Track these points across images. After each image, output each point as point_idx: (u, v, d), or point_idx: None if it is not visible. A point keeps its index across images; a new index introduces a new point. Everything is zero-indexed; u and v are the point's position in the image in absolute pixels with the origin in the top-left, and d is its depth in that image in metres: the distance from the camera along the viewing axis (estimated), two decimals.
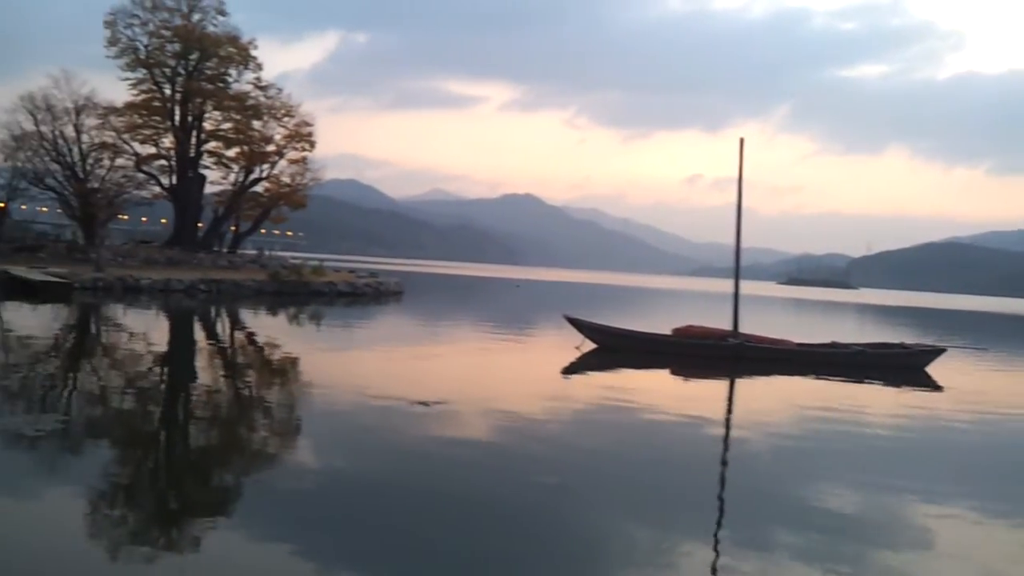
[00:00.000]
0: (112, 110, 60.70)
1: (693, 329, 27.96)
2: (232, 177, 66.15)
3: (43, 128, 58.80)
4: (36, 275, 39.28)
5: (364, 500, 9.52)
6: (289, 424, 14.19)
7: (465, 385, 18.99)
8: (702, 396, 20.91)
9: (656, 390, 20.87)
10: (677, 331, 27.67)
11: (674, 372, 24.11)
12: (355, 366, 22.27)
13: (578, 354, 25.88)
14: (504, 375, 22.37)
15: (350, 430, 13.40)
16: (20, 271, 40.17)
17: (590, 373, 23.72)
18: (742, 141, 28.11)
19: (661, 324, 30.96)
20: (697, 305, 73.37)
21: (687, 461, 12.76)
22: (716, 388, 22.62)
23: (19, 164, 59.45)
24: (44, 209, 74.87)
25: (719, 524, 9.38)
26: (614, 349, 26.88)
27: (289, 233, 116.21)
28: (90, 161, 60.76)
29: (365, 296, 52.04)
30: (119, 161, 62.05)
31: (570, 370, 23.44)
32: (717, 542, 8.63)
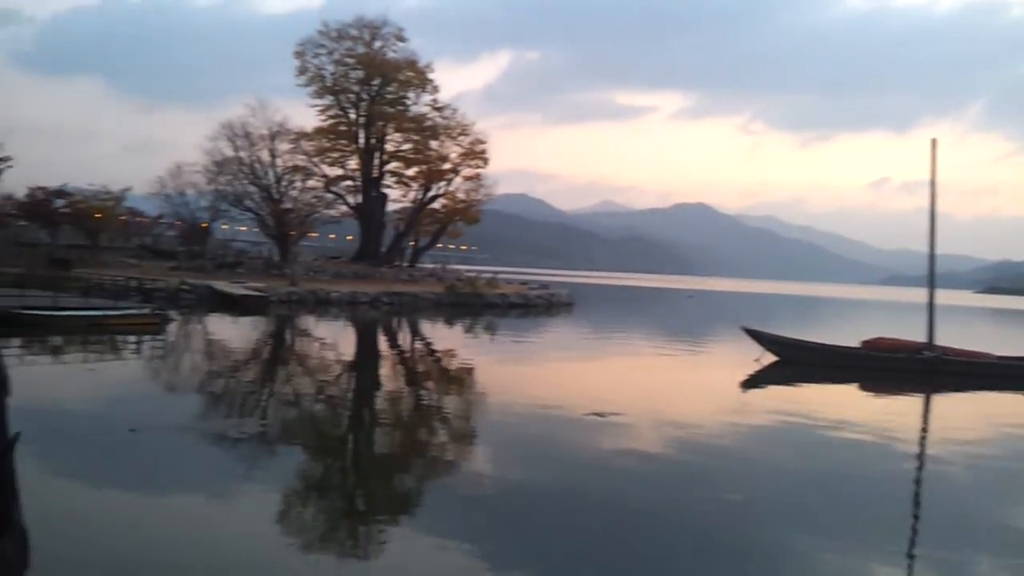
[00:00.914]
0: (303, 135, 65.07)
1: (883, 341, 26.19)
2: (412, 195, 69.20)
3: (241, 153, 63.88)
4: (237, 289, 42.54)
5: (541, 509, 9.53)
6: (466, 431, 14.50)
7: (639, 397, 18.72)
8: (894, 412, 19.51)
9: (844, 405, 19.68)
10: (866, 343, 26.01)
11: (863, 387, 22.68)
12: (528, 376, 22.51)
13: (757, 367, 24.88)
14: (679, 387, 21.89)
15: (525, 439, 13.50)
16: (223, 286, 43.63)
17: (771, 387, 22.75)
18: (934, 142, 26.16)
19: (847, 336, 29.25)
20: (886, 316, 68.91)
21: (878, 481, 11.91)
22: (909, 404, 21.06)
23: (220, 187, 64.88)
24: (243, 228, 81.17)
25: (912, 547, 8.67)
26: (797, 362, 25.64)
27: (464, 247, 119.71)
28: (284, 183, 65.33)
29: (537, 307, 52.68)
30: (310, 182, 66.46)
31: (749, 383, 22.58)
32: (911, 567, 7.99)
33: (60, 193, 63.78)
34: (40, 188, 63.08)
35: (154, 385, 18.18)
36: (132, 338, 24.52)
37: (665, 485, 10.89)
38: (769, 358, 26.01)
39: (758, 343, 26.91)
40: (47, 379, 17.08)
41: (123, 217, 67.72)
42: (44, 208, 62.65)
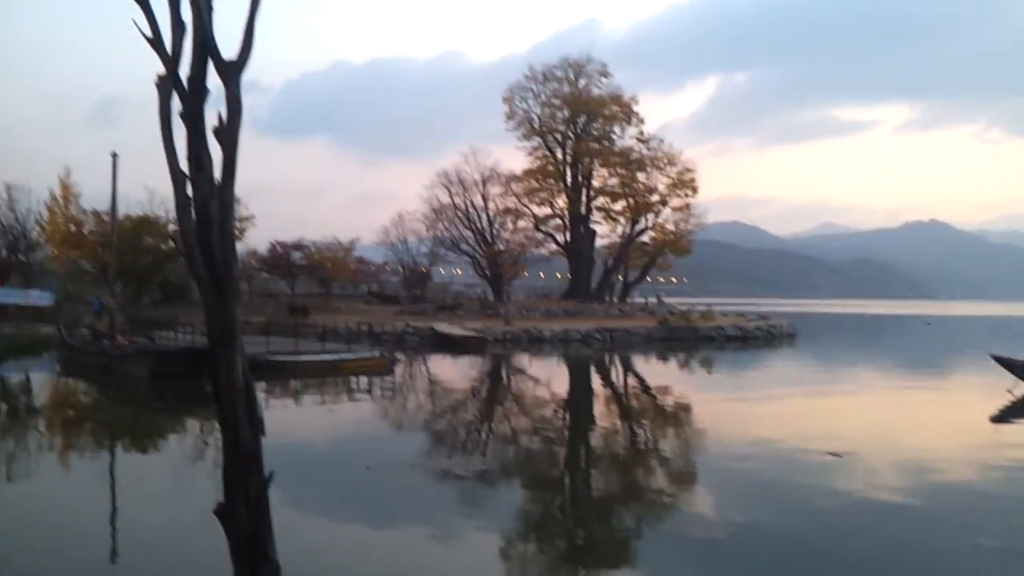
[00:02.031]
0: (512, 177, 67.37)
1: None
2: (619, 229, 69.33)
3: (456, 199, 67.12)
4: (456, 330, 44.29)
5: (771, 558, 8.93)
6: (686, 471, 14.01)
7: (875, 433, 17.28)
8: None
9: None
10: None
11: None
12: (751, 412, 21.49)
13: (1011, 398, 22.30)
14: (921, 423, 20.01)
15: (751, 479, 12.82)
16: (443, 327, 45.58)
17: None
18: None
19: None
20: None
21: None
22: None
23: (438, 233, 68.37)
24: (459, 271, 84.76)
25: None
26: None
27: (675, 279, 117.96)
28: (496, 225, 67.78)
29: (756, 340, 50.57)
30: (520, 223, 68.59)
31: (1002, 417, 20.25)
32: None
33: (297, 246, 69.75)
34: (279, 242, 69.37)
35: (385, 424, 19.18)
36: (364, 380, 26.08)
37: (912, 531, 9.87)
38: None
39: (1010, 372, 24.21)
40: (292, 420, 18.50)
41: (352, 265, 72.81)
42: (283, 260, 68.73)
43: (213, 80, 5.43)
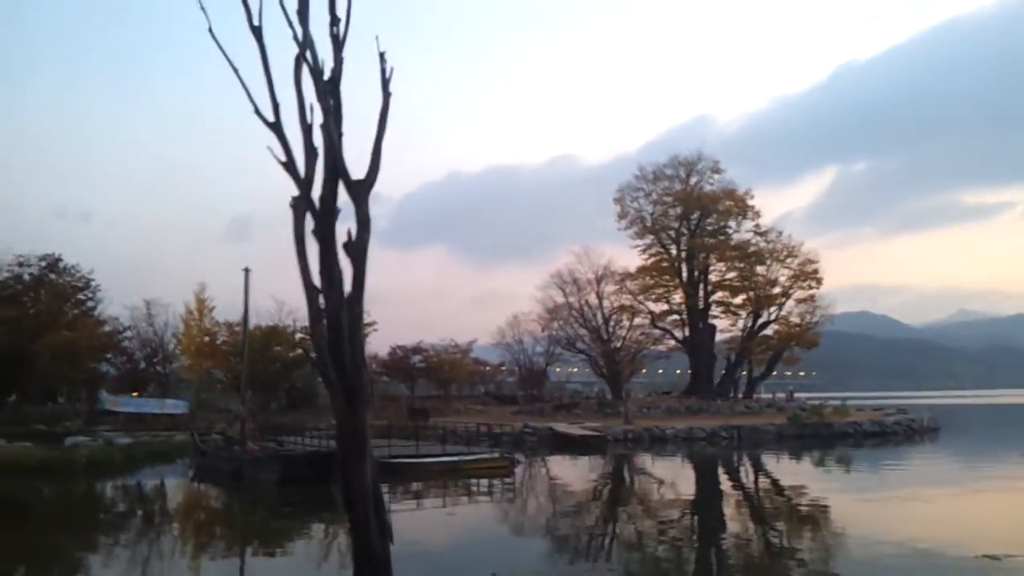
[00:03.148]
0: (627, 275, 67.29)
1: None
2: (740, 323, 67.69)
3: (571, 299, 67.40)
4: (575, 430, 43.77)
5: None
6: None
7: None
8: None
9: None
10: None
11: None
12: (895, 513, 20.05)
13: None
14: None
15: None
16: (562, 427, 45.14)
17: None
18: None
19: None
20: None
21: None
22: None
23: (553, 332, 68.58)
24: (574, 369, 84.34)
25: None
26: None
27: (803, 373, 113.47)
28: (612, 323, 67.45)
29: (896, 435, 47.63)
30: (636, 320, 68.02)
31: None
32: None
33: (416, 349, 71.37)
34: (399, 347, 71.20)
35: (507, 527, 18.95)
36: (484, 481, 25.96)
37: None
38: None
39: None
40: (415, 524, 18.54)
41: (470, 367, 73.73)
42: (403, 364, 70.34)
43: (342, 198, 5.75)
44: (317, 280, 5.51)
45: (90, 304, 58.71)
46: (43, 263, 54.51)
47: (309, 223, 5.83)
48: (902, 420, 51.79)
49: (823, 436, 45.31)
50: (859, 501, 22.38)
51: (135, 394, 59.81)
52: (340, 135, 5.58)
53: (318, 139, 5.82)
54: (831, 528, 18.14)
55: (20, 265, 53.44)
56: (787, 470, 32.15)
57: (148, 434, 42.92)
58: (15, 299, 51.89)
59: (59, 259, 55.55)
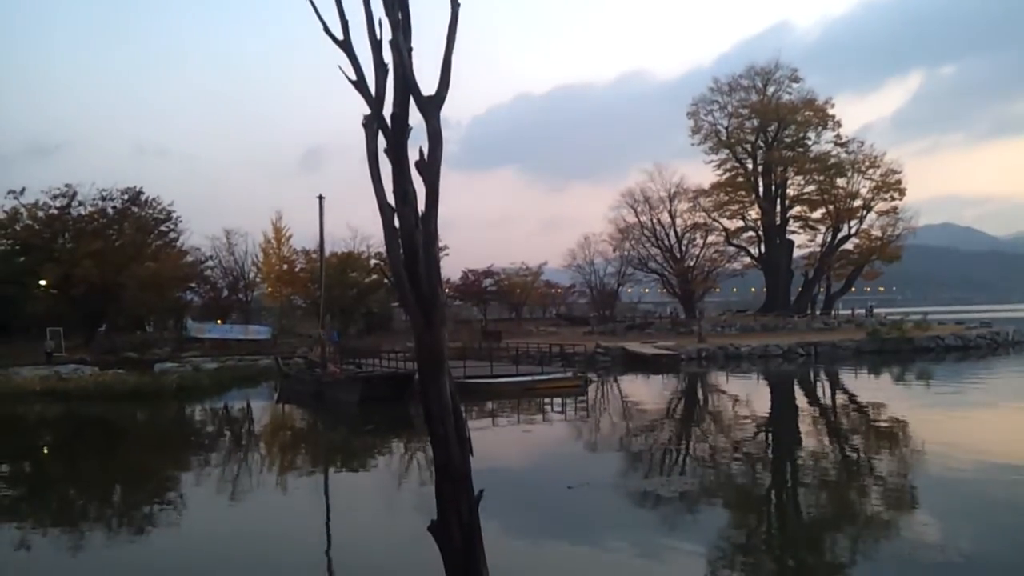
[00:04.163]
0: (700, 192, 65.89)
1: None
2: (819, 238, 65.86)
3: (643, 218, 66.62)
4: (648, 349, 43.82)
5: None
6: (904, 492, 13.00)
7: None
8: None
9: None
10: None
11: None
12: (976, 428, 19.65)
13: None
14: None
15: (978, 502, 11.72)
16: (634, 346, 45.24)
17: None
18: None
19: None
20: None
21: None
22: None
23: (625, 253, 68.09)
24: (646, 290, 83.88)
25: None
26: None
27: (882, 289, 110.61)
28: (685, 242, 66.58)
29: (979, 349, 46.34)
30: (710, 238, 66.95)
31: None
32: None
33: (487, 273, 71.86)
34: (471, 271, 71.76)
35: (581, 444, 19.26)
36: (558, 400, 26.33)
37: None
38: None
39: None
40: (491, 441, 18.98)
41: (541, 289, 73.99)
42: (475, 287, 71.03)
43: (414, 116, 5.73)
44: (391, 199, 5.53)
45: (172, 235, 60.49)
46: (125, 197, 56.09)
47: (381, 142, 5.83)
48: (986, 334, 50.26)
49: (903, 351, 44.37)
50: (939, 415, 21.96)
51: (219, 321, 61.97)
52: (410, 50, 5.53)
53: (387, 56, 5.76)
54: (910, 444, 17.91)
55: (104, 199, 55.14)
56: (865, 386, 31.68)
57: (233, 359, 44.64)
58: (100, 232, 53.71)
59: (140, 192, 57.15)
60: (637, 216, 66.67)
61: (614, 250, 68.77)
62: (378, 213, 5.62)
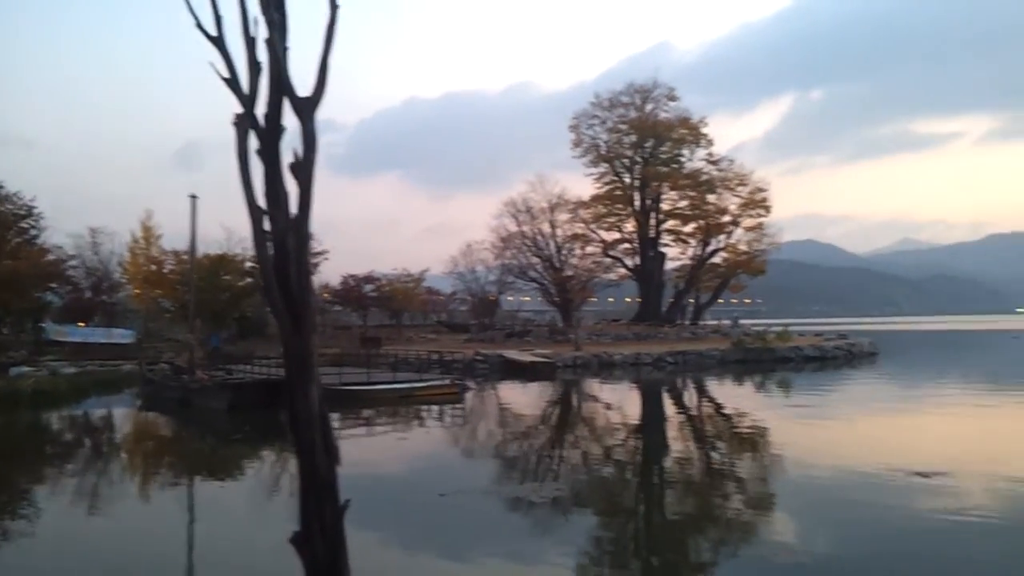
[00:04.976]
0: (580, 204, 67.35)
1: None
2: (690, 251, 68.50)
3: (524, 227, 67.42)
4: (525, 357, 44.30)
5: None
6: (765, 495, 13.67)
7: (965, 453, 16.61)
8: None
9: None
10: None
11: None
12: (832, 434, 20.88)
13: None
14: (1012, 441, 19.16)
15: (833, 504, 12.44)
16: (513, 354, 45.64)
17: None
18: None
19: None
20: None
21: None
22: None
23: (506, 261, 68.74)
24: (527, 298, 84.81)
25: None
26: None
27: (748, 300, 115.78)
28: (564, 252, 67.78)
29: (836, 360, 49.24)
30: (589, 249, 68.44)
31: None
32: None
33: (368, 279, 70.92)
34: (351, 275, 70.70)
35: (457, 451, 19.27)
36: (435, 407, 26.27)
37: (1009, 556, 9.42)
38: None
39: None
40: (365, 449, 18.74)
41: (422, 296, 73.65)
42: (355, 293, 69.96)
43: (289, 118, 5.59)
44: (262, 202, 5.38)
45: (33, 232, 56.92)
46: None
47: (254, 143, 5.66)
48: (842, 345, 53.46)
49: (765, 361, 46.61)
50: (797, 423, 23.18)
51: (81, 324, 58.64)
52: (286, 50, 5.39)
53: (263, 55, 5.60)
54: (770, 449, 18.82)
55: None
56: (729, 394, 33.09)
57: (95, 364, 42.32)
58: None
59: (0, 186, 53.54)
60: (519, 225, 67.50)
61: (495, 258, 69.34)
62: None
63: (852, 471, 14.66)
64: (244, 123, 5.58)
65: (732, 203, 66.38)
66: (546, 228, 67.52)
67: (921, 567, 9.17)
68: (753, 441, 20.20)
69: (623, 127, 67.54)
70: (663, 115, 67.67)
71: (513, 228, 67.47)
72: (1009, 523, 11.00)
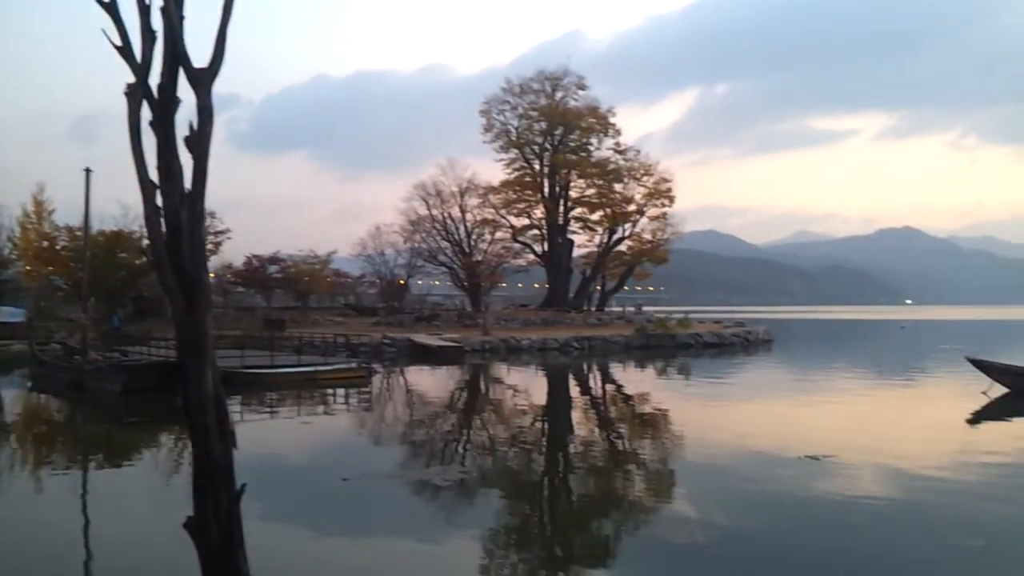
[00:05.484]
0: (490, 189, 67.49)
1: None
2: (597, 239, 69.59)
3: (434, 211, 67.16)
4: (434, 341, 44.18)
5: (753, 561, 8.97)
6: (665, 476, 14.03)
7: (853, 436, 17.42)
8: None
9: None
10: None
11: None
12: (729, 417, 21.60)
13: (986, 400, 22.62)
14: (899, 426, 20.20)
15: (730, 484, 12.87)
16: (421, 338, 45.45)
17: (1004, 421, 20.56)
18: None
19: None
20: None
21: None
22: None
23: (416, 245, 68.30)
24: (436, 283, 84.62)
25: None
26: None
27: (652, 288, 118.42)
28: (474, 236, 67.86)
29: (733, 346, 50.90)
30: (498, 234, 68.75)
31: (978, 418, 20.52)
32: None
33: (273, 260, 69.22)
34: (255, 256, 68.81)
35: (362, 435, 19.07)
36: (341, 391, 25.92)
37: (893, 532, 9.95)
38: (999, 390, 23.62)
39: (986, 374, 24.54)
40: (267, 433, 18.35)
41: (329, 278, 72.42)
42: (259, 274, 68.19)
43: (187, 90, 5.39)
44: (155, 176, 5.18)
45: None
46: None
47: (148, 115, 5.44)
48: (739, 332, 55.30)
49: (667, 347, 47.82)
50: (696, 407, 23.95)
51: None
52: (182, 19, 5.19)
53: (158, 23, 5.38)
54: (670, 431, 19.34)
55: None
56: (632, 378, 33.80)
57: None
58: None
59: None
60: (429, 209, 67.18)
61: (405, 241, 68.88)
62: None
63: (747, 453, 15.20)
64: (137, 93, 5.35)
65: (638, 192, 67.83)
66: (456, 212, 67.51)
67: (811, 543, 9.58)
68: (654, 424, 20.70)
69: (533, 114, 67.95)
70: (573, 104, 68.46)
71: (423, 212, 67.19)
72: (891, 501, 11.60)
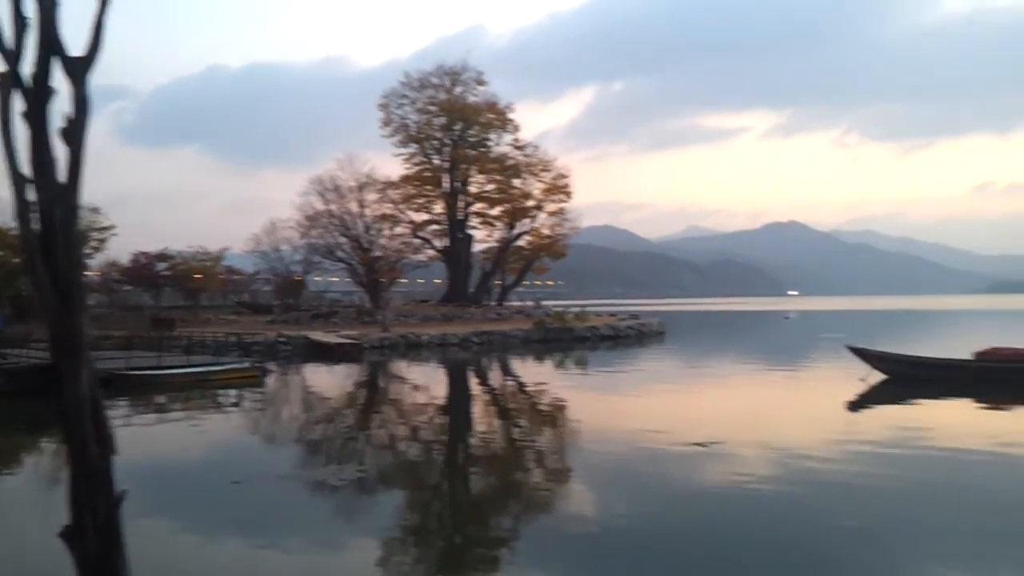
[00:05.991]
0: (389, 184, 66.84)
1: (1000, 352, 24.76)
2: (497, 234, 69.97)
3: (332, 206, 65.94)
4: (331, 338, 43.50)
5: (646, 546, 9.23)
6: (563, 468, 14.28)
7: (741, 424, 18.12)
8: (1016, 429, 18.34)
9: (960, 423, 18.60)
10: (980, 355, 24.66)
11: (980, 401, 21.44)
12: (624, 408, 22.12)
13: (864, 386, 23.88)
14: (782, 413, 21.12)
15: (624, 473, 13.19)
16: (318, 336, 44.68)
17: (880, 406, 21.74)
18: None
19: (958, 349, 27.80)
20: (998, 325, 65.44)
21: (1007, 505, 11.12)
22: None
23: (312, 240, 66.94)
24: (335, 279, 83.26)
25: None
26: (906, 379, 24.50)
27: (550, 283, 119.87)
28: (372, 232, 66.98)
29: (628, 338, 52.06)
30: (397, 229, 68.11)
31: (857, 404, 21.64)
32: None
33: (161, 257, 66.63)
34: (143, 253, 66.13)
35: (255, 437, 18.60)
36: (233, 392, 25.22)
37: (775, 515, 10.42)
38: (876, 376, 24.97)
39: (864, 361, 25.90)
40: (153, 437, 17.70)
41: (222, 276, 70.26)
42: (147, 272, 65.50)
43: (60, 79, 5.14)
44: (27, 169, 4.92)
45: None
46: None
47: (19, 105, 5.16)
48: (634, 325, 56.67)
49: (565, 340, 48.53)
50: (592, 398, 24.43)
51: None
52: (55, 5, 4.93)
53: (30, 9, 5.10)
54: (567, 423, 19.67)
55: None
56: (531, 372, 34.16)
57: None
58: None
59: None
60: (326, 204, 65.94)
61: (301, 237, 67.43)
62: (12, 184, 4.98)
63: (640, 443, 15.61)
64: (7, 83, 5.07)
65: (536, 188, 68.51)
66: (354, 207, 66.50)
67: (699, 529, 9.92)
68: (552, 417, 20.98)
69: (433, 108, 67.65)
70: (472, 99, 68.47)
71: (320, 206, 65.90)
72: (775, 485, 12.13)
